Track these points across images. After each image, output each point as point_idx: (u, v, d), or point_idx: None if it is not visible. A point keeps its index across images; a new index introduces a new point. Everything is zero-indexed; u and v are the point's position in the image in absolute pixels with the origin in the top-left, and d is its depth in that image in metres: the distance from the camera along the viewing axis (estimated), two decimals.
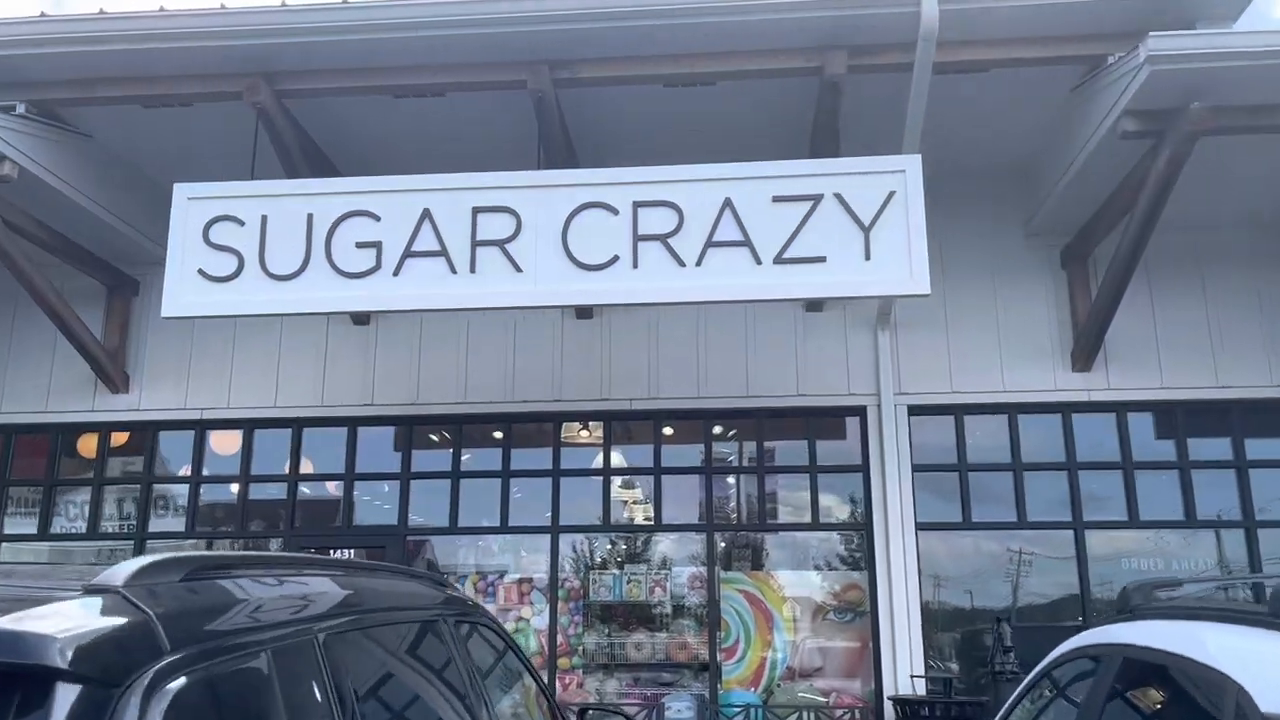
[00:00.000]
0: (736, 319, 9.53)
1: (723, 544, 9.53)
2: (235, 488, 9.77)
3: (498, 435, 9.73)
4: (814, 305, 9.43)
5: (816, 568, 9.41)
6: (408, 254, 7.22)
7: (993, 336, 9.28)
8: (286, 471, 9.72)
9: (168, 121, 8.48)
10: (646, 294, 7.15)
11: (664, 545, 9.70)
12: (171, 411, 9.75)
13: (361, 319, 9.77)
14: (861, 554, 9.23)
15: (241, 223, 7.37)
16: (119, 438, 9.98)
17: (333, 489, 9.82)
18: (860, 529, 9.21)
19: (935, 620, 9.05)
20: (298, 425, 9.78)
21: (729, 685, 9.09)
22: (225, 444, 9.92)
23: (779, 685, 9.06)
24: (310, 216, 7.34)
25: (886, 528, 8.97)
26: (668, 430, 9.73)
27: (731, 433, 9.76)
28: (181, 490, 9.81)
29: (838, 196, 7.05)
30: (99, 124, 8.59)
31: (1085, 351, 9.00)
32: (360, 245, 7.28)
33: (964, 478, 9.15)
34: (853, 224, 7.01)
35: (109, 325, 9.79)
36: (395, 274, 7.22)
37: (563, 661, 9.35)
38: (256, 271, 7.27)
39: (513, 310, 9.31)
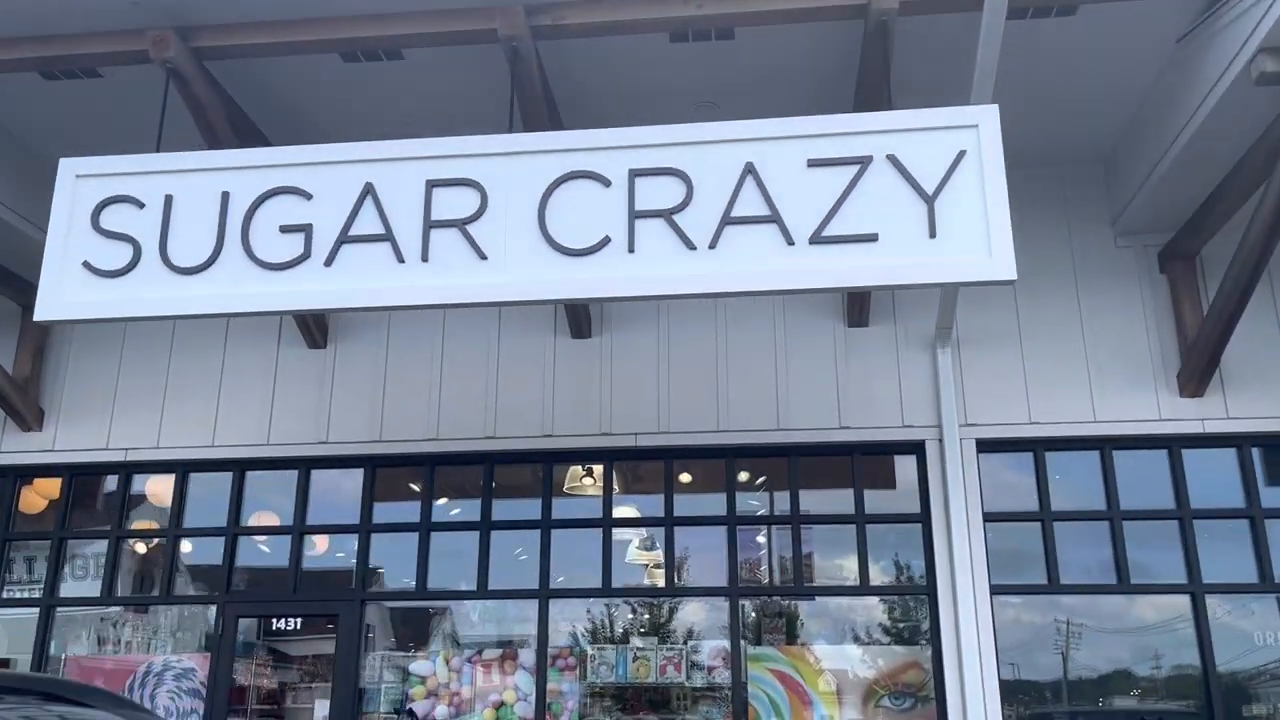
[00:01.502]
0: (764, 336, 7.90)
1: (751, 612, 7.77)
2: (160, 545, 8.18)
3: (477, 479, 8.09)
4: (858, 319, 7.79)
5: (866, 642, 7.61)
6: (344, 239, 5.68)
7: (1078, 355, 7.58)
8: (225, 523, 8.12)
9: (76, 96, 7.09)
10: (646, 284, 5.54)
11: (679, 614, 7.96)
12: (92, 452, 8.22)
13: (315, 340, 8.23)
14: (922, 624, 7.44)
15: (140, 205, 5.87)
16: (33, 485, 8.44)
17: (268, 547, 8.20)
18: (920, 593, 7.44)
19: (1016, 709, 7.21)
20: (240, 467, 8.20)
21: None
22: (157, 490, 8.35)
23: None
24: (225, 196, 5.83)
25: (954, 591, 7.19)
26: (683, 474, 8.06)
27: (760, 480, 8.06)
28: (101, 548, 8.22)
29: (892, 159, 5.45)
30: None
31: (1196, 373, 7.27)
32: (286, 230, 5.75)
33: (1048, 529, 7.38)
34: (912, 193, 5.39)
35: (20, 351, 8.33)
36: (328, 264, 5.67)
37: None
38: (156, 263, 5.75)
39: (478, 311, 7.91)
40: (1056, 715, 7.34)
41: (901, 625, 7.60)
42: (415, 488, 8.10)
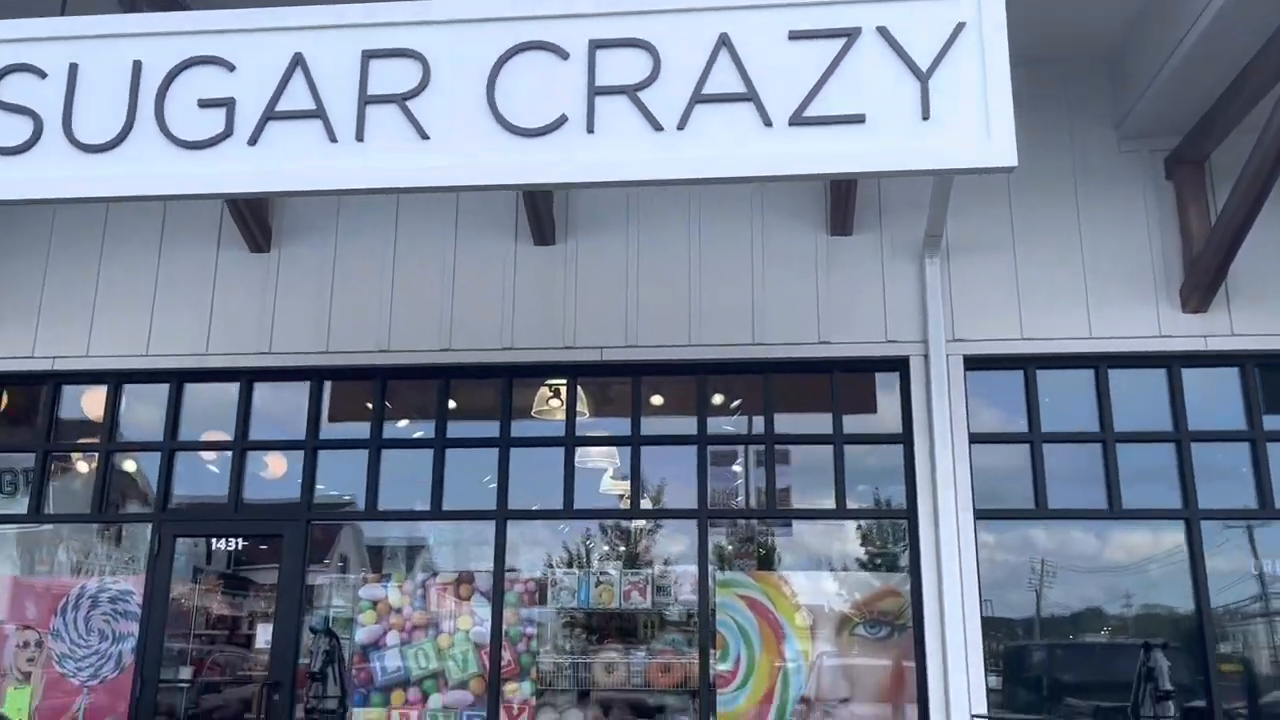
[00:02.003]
0: (740, 244, 7.36)
1: (720, 537, 7.35)
2: (93, 460, 7.66)
3: (431, 396, 7.58)
4: (841, 227, 7.25)
5: (842, 568, 7.21)
6: (270, 116, 5.06)
7: (1076, 268, 7.08)
8: (161, 438, 7.59)
9: None
10: (606, 169, 4.96)
11: (645, 538, 7.53)
12: (16, 361, 7.64)
13: (258, 244, 7.64)
14: (902, 551, 7.04)
15: (42, 74, 5.23)
16: None
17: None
18: (900, 518, 7.02)
19: (1000, 639, 6.85)
20: (177, 379, 7.65)
21: (727, 718, 6.92)
22: (90, 403, 7.80)
23: (792, 717, 6.89)
24: (137, 66, 5.19)
25: (935, 516, 6.78)
26: (654, 396, 7.58)
27: (735, 403, 7.58)
28: (27, 461, 7.69)
29: (882, 31, 4.86)
30: None
31: (1200, 287, 6.79)
32: (205, 104, 5.12)
33: (1037, 452, 6.95)
34: (904, 69, 4.81)
35: None
36: (252, 143, 5.06)
37: (510, 687, 7.18)
38: (59, 140, 5.13)
39: (433, 214, 7.47)
40: (1034, 648, 6.98)
41: (879, 551, 7.20)
42: (364, 396, 7.58)
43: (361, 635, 7.42)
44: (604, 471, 7.63)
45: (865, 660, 7.03)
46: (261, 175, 5.11)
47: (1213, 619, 6.56)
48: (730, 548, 7.37)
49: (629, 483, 7.38)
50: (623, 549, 7.55)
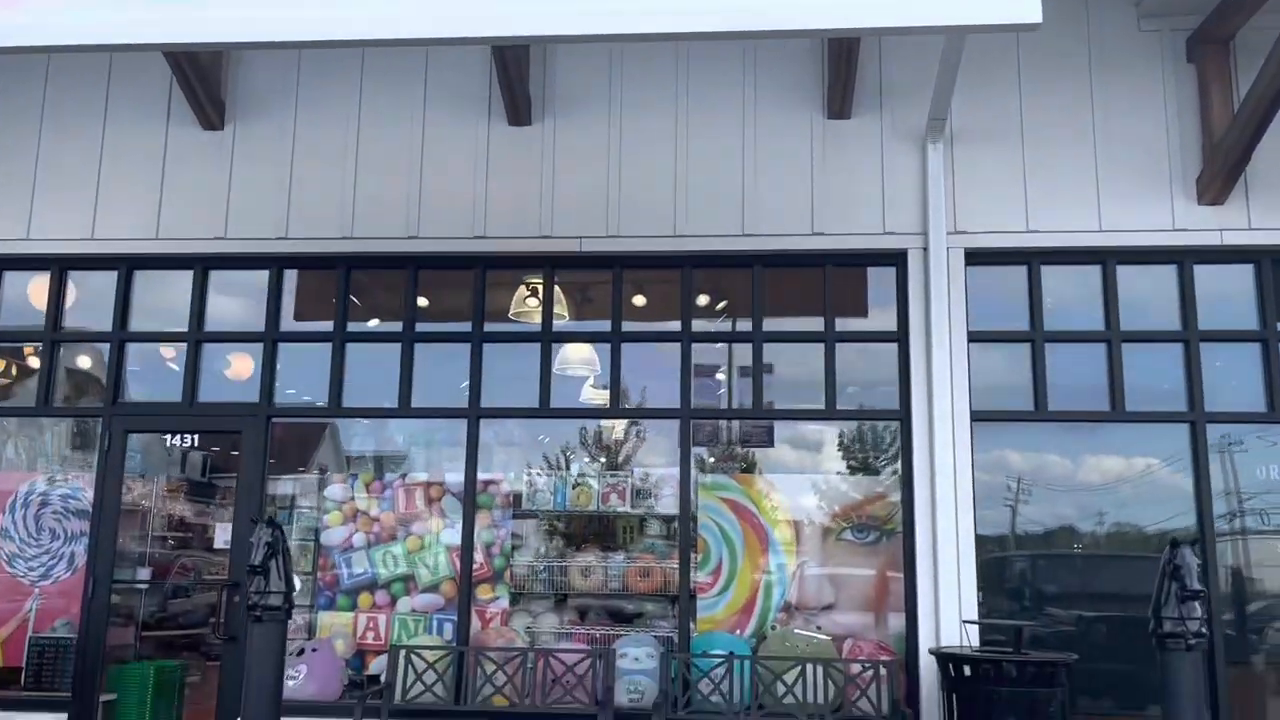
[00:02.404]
0: (731, 126, 6.87)
1: (703, 438, 7.01)
2: (35, 351, 7.21)
3: (398, 284, 7.12)
4: (839, 109, 6.75)
5: (831, 471, 6.90)
6: None
7: (1087, 156, 6.64)
8: (110, 327, 7.13)
9: None
10: (588, 20, 4.45)
11: (624, 438, 7.18)
12: None
13: (210, 120, 7.08)
14: (893, 454, 6.72)
15: None
16: None
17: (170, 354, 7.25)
18: (893, 419, 6.68)
19: (995, 546, 6.58)
20: (126, 265, 7.16)
21: (707, 626, 6.67)
22: (36, 292, 7.31)
23: (774, 628, 6.64)
24: None
25: (930, 418, 6.45)
26: (636, 297, 7.16)
27: (722, 305, 7.16)
28: None
29: None
30: None
31: (1219, 177, 6.38)
32: None
33: (1038, 351, 6.60)
34: None
35: None
36: None
37: (482, 590, 6.89)
38: None
39: (401, 91, 7.05)
40: (1016, 558, 6.72)
41: (870, 455, 6.88)
42: (331, 302, 7.12)
43: (327, 537, 7.09)
44: (584, 380, 7.23)
45: (851, 566, 6.77)
46: (202, 25, 4.58)
47: (1214, 528, 6.30)
48: (713, 451, 7.03)
49: (609, 392, 6.98)
50: (602, 452, 7.21)
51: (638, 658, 6.53)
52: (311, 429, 7.38)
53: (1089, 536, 6.59)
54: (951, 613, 6.17)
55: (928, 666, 6.15)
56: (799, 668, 6.18)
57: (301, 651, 6.74)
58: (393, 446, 7.31)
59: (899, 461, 6.64)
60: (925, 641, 6.21)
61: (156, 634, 8.11)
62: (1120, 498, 6.55)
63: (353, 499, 7.13)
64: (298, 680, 6.59)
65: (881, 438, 6.83)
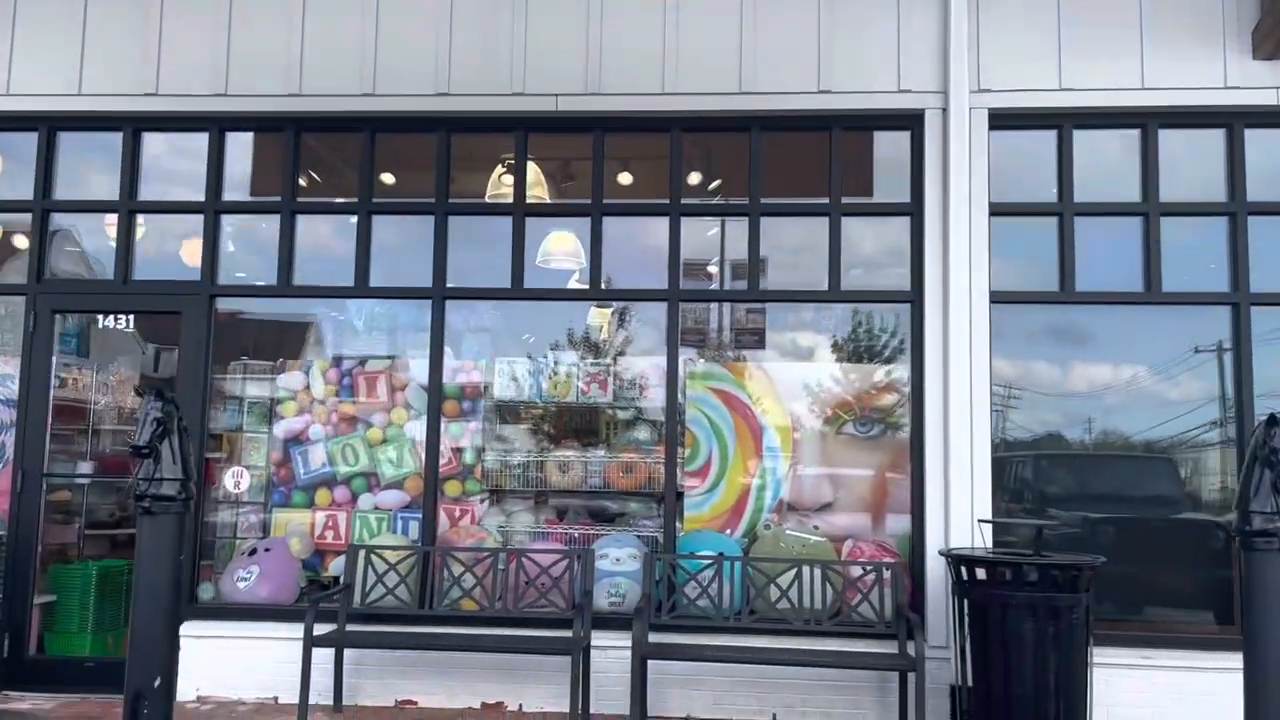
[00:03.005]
0: None
1: (693, 322, 6.37)
2: None
3: (355, 154, 6.37)
4: None
5: (832, 359, 6.29)
6: None
7: (1130, 2, 5.87)
8: (31, 195, 6.39)
9: None
10: None
11: (605, 322, 6.54)
12: None
13: None
14: (902, 340, 6.10)
15: None
16: None
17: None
18: (903, 300, 6.04)
19: (1012, 442, 6.01)
20: (46, 125, 6.38)
21: (694, 525, 6.13)
22: None
23: (767, 528, 6.11)
24: None
25: (945, 300, 5.81)
26: (618, 166, 6.42)
27: (715, 184, 6.43)
28: None
29: None
30: None
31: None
32: None
33: (1066, 226, 5.93)
34: None
35: None
36: None
37: (451, 486, 6.32)
38: None
39: None
40: (1019, 459, 6.16)
41: (876, 340, 6.25)
42: (273, 150, 6.37)
43: (281, 429, 6.48)
44: (570, 275, 6.53)
45: (852, 462, 6.20)
46: None
47: (1254, 419, 5.73)
48: (704, 339, 6.40)
49: (589, 272, 6.31)
50: (582, 340, 6.56)
51: (619, 559, 6.00)
52: (292, 330, 6.69)
53: (1112, 434, 6.02)
54: (963, 512, 5.62)
55: (936, 570, 5.64)
56: (794, 570, 5.65)
57: (254, 551, 6.19)
58: (352, 331, 6.65)
59: (908, 348, 6.01)
60: (933, 543, 5.69)
61: (111, 533, 7.56)
62: (1146, 391, 5.95)
63: (308, 387, 6.50)
64: (249, 582, 6.06)
65: (889, 322, 6.19)
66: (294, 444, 6.47)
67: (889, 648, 5.58)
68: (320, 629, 5.70)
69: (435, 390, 6.20)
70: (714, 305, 6.38)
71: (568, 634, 5.52)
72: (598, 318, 6.63)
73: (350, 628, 5.79)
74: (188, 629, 5.94)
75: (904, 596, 5.59)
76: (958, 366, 5.71)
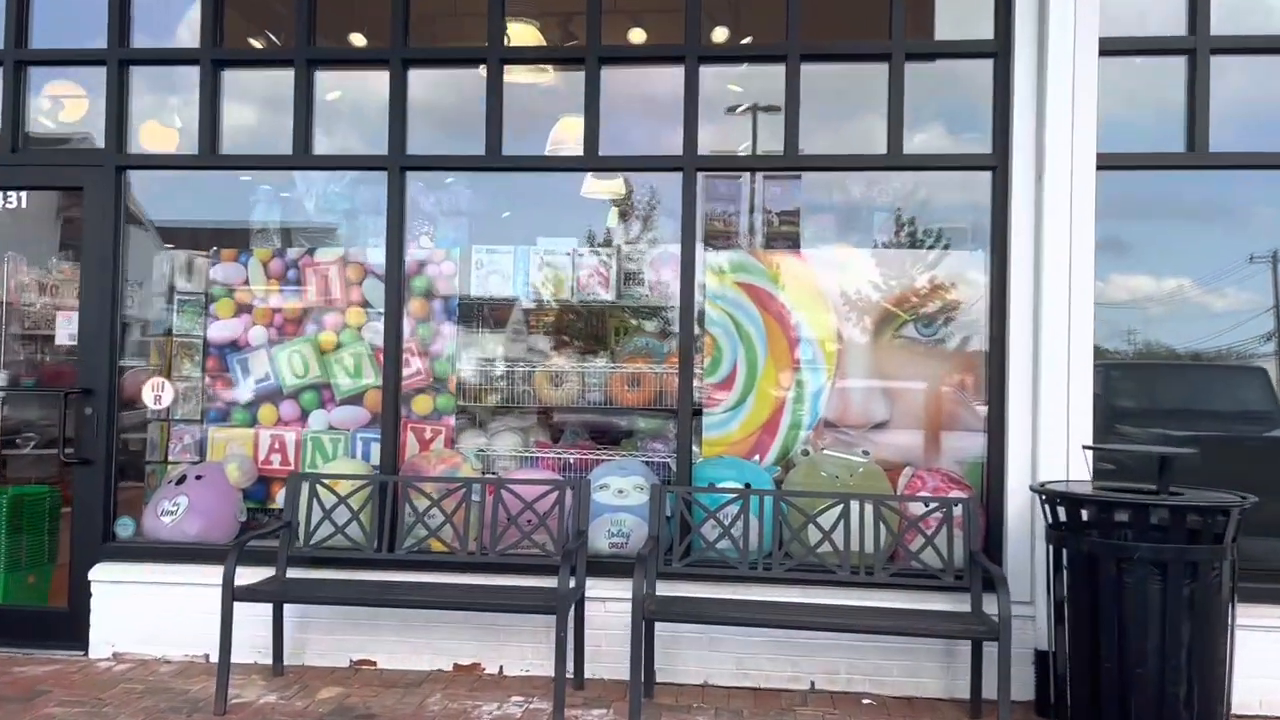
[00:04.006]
0: None
1: (714, 201, 5.12)
2: None
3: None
4: None
5: (889, 244, 5.04)
6: None
7: None
8: None
9: None
10: None
11: (605, 199, 5.31)
12: None
13: None
14: (977, 219, 4.82)
15: None
16: None
17: None
18: (983, 168, 4.74)
19: (1113, 351, 4.76)
20: None
21: (715, 450, 4.99)
22: None
23: (805, 453, 4.94)
24: None
25: (1039, 166, 4.52)
26: (633, 30, 5.11)
27: (746, 40, 5.09)
28: None
29: None
30: None
31: None
32: None
33: (1200, 67, 4.58)
34: None
35: None
36: None
37: (420, 402, 5.20)
38: None
39: None
40: (1123, 370, 4.91)
41: (944, 220, 4.99)
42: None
43: (216, 332, 5.36)
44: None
45: (911, 372, 4.99)
46: None
47: None
48: (729, 218, 5.16)
49: (583, 134, 5.07)
50: (578, 220, 5.35)
51: (622, 490, 4.88)
52: (228, 211, 5.51)
53: (1249, 339, 4.76)
54: (1056, 435, 4.41)
55: (1018, 507, 4.46)
56: (840, 505, 4.49)
57: (182, 479, 5.12)
58: (301, 214, 5.46)
59: (988, 228, 4.74)
60: (1016, 474, 4.50)
61: (34, 454, 6.52)
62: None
63: (247, 282, 5.35)
64: (175, 516, 5.00)
65: (963, 196, 4.91)
66: (232, 350, 5.35)
67: (958, 604, 4.45)
68: (257, 574, 4.66)
69: (394, 283, 5.01)
70: (741, 178, 5.11)
71: (553, 583, 4.42)
72: (596, 190, 5.39)
73: (292, 573, 4.73)
74: (100, 573, 4.91)
75: (978, 541, 4.42)
76: (1053, 250, 4.44)
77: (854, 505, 4.51)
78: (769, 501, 4.61)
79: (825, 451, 4.96)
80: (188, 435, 5.40)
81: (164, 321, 5.42)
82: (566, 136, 5.29)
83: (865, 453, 4.91)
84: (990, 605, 4.32)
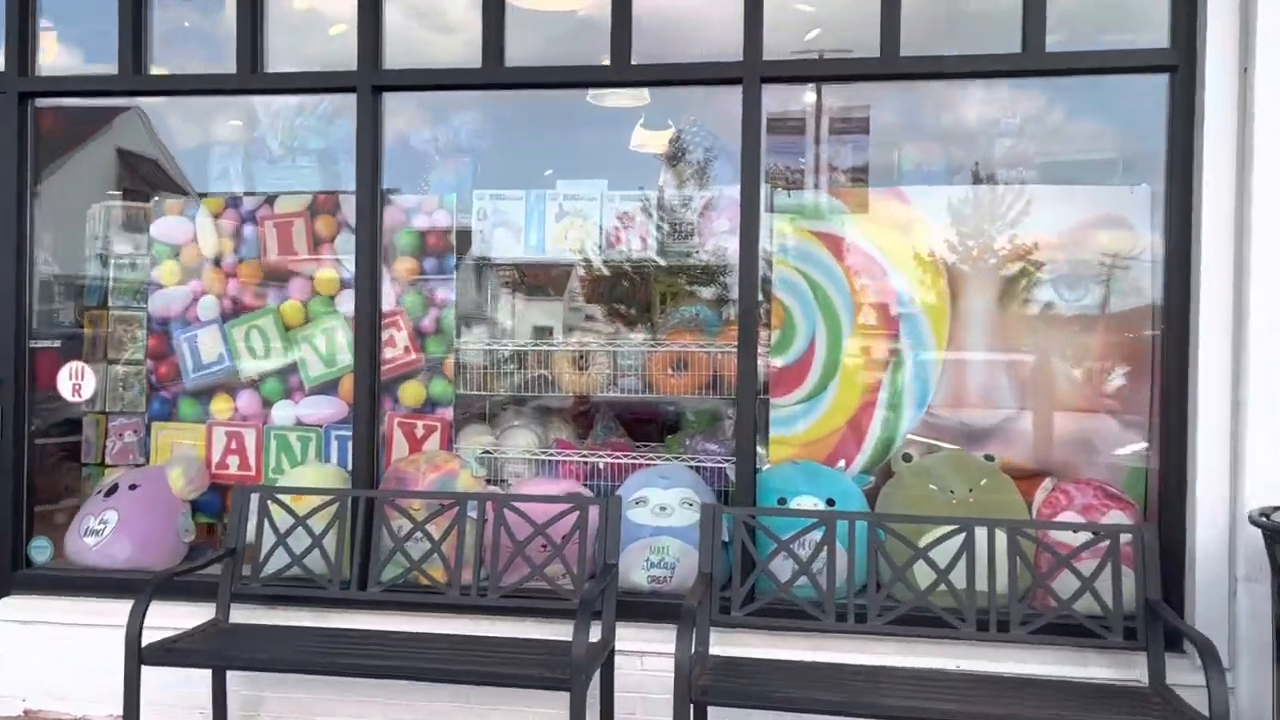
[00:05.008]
0: None
1: (782, 130, 3.89)
2: None
3: None
4: None
5: (1014, 179, 3.78)
6: None
7: None
8: None
9: None
10: None
11: (636, 123, 4.13)
12: None
13: None
14: (1149, 139, 3.53)
15: None
16: None
17: None
18: (1157, 69, 3.43)
19: None
20: None
21: (786, 450, 3.81)
22: None
23: (908, 458, 3.72)
24: None
25: (1245, 56, 3.22)
26: None
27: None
28: None
29: None
30: None
31: None
32: None
33: None
34: None
35: None
36: None
37: (409, 391, 4.09)
38: None
39: None
40: None
41: (1099, 142, 3.72)
42: None
43: (159, 303, 4.29)
44: (633, 119, 4.16)
45: (1049, 349, 3.75)
46: None
47: None
48: (803, 147, 3.94)
49: (668, 133, 3.93)
50: (607, 153, 4.18)
51: (665, 505, 3.71)
52: (171, 150, 4.44)
53: None
54: (1271, 441, 3.15)
55: (1213, 541, 3.21)
56: (962, 535, 3.27)
57: (113, 490, 4.07)
58: (262, 153, 4.35)
59: (1162, 154, 3.45)
60: (1209, 494, 3.24)
61: None
62: None
63: (195, 239, 4.27)
64: (101, 537, 3.95)
65: (1126, 110, 3.63)
66: (179, 325, 4.28)
67: (1127, 669, 3.23)
68: (194, 614, 3.60)
69: (366, 237, 3.85)
70: (820, 91, 3.88)
71: (566, 637, 3.28)
72: (648, 143, 4.22)
73: (238, 615, 3.64)
74: (8, 609, 3.90)
75: (1157, 584, 3.18)
76: (1268, 176, 3.16)
77: (980, 533, 3.29)
78: (862, 527, 3.41)
79: (935, 454, 3.74)
80: (129, 432, 4.35)
81: (98, 290, 4.37)
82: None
83: (989, 457, 3.69)
84: (1175, 673, 3.09)
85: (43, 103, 4.09)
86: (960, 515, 3.43)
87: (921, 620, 3.25)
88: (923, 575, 3.28)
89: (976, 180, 3.80)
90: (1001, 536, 3.29)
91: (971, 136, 3.83)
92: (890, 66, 3.57)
